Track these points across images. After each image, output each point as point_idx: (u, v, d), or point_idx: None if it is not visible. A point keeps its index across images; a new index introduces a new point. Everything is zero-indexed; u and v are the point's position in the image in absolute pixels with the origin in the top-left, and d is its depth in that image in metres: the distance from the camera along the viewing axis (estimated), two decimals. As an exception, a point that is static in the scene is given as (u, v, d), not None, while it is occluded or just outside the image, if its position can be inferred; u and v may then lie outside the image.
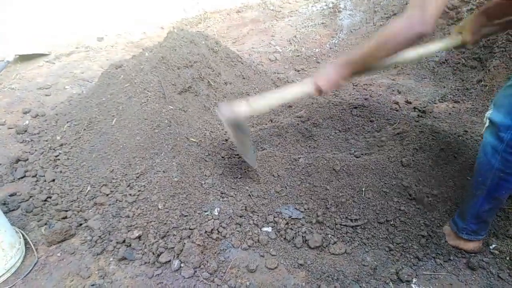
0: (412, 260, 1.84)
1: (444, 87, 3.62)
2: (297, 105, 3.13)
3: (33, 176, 2.42)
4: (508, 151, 1.57)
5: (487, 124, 1.66)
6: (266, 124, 2.91)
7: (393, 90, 3.57)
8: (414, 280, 1.75)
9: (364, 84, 3.73)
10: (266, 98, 1.91)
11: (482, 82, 3.47)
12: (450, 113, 3.13)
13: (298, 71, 4.20)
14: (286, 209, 2.10)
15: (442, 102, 3.36)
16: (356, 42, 4.76)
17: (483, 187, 1.72)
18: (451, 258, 1.84)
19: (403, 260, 1.85)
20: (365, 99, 3.31)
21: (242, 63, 3.63)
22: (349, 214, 2.05)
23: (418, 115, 3.01)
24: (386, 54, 1.63)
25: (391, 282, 1.74)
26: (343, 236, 1.98)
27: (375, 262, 1.85)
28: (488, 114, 1.66)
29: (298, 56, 4.66)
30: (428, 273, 1.78)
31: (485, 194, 1.73)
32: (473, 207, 1.79)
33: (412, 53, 1.85)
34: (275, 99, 1.92)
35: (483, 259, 1.84)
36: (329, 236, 1.98)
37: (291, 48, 4.89)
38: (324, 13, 5.53)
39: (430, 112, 3.10)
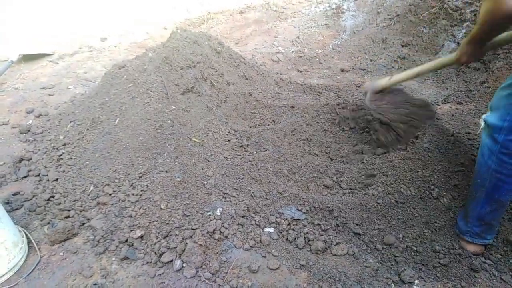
0: (414, 261, 1.84)
1: (447, 88, 3.61)
2: (299, 107, 3.13)
3: (36, 176, 2.43)
4: (502, 152, 1.62)
5: (482, 126, 1.73)
6: (268, 125, 2.91)
7: (396, 91, 3.56)
8: (416, 281, 1.74)
9: (367, 85, 3.72)
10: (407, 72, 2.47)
11: (486, 84, 3.45)
12: (453, 115, 3.12)
13: (301, 71, 4.20)
14: (288, 210, 2.10)
15: (445, 103, 3.35)
16: (359, 43, 4.75)
17: (483, 189, 1.75)
18: (454, 260, 1.83)
19: (405, 261, 1.85)
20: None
21: (245, 64, 3.63)
22: (353, 219, 2.04)
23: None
24: (490, 33, 1.69)
25: (393, 284, 1.74)
26: (345, 238, 1.98)
27: (377, 264, 1.85)
28: (484, 116, 1.70)
29: (301, 56, 4.65)
30: (430, 274, 1.78)
31: (484, 195, 1.75)
32: (474, 209, 1.81)
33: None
34: (416, 71, 2.40)
35: (486, 261, 1.83)
36: (331, 237, 1.98)
37: (294, 48, 4.88)
38: (327, 14, 5.53)
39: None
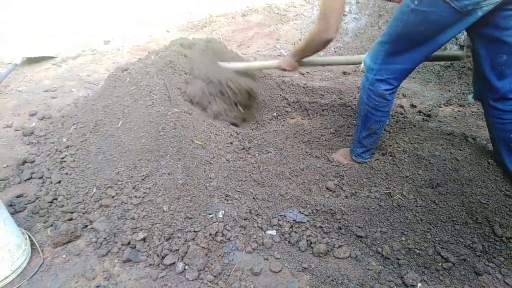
0: (417, 264, 1.83)
1: (449, 90, 3.60)
2: (300, 108, 3.13)
3: (39, 178, 2.44)
4: (370, 88, 2.11)
5: (362, 65, 2.20)
6: (270, 128, 2.91)
7: (398, 94, 3.56)
8: (419, 285, 1.74)
9: (369, 88, 3.72)
10: (242, 64, 3.12)
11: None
12: (455, 117, 3.12)
13: (303, 74, 4.20)
14: (290, 212, 2.10)
15: (447, 105, 3.35)
16: (361, 46, 4.76)
17: (360, 117, 2.26)
18: (457, 262, 1.83)
19: (408, 264, 1.84)
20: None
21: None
22: (355, 221, 2.04)
23: (423, 119, 3.00)
24: (311, 52, 2.43)
25: (395, 287, 1.73)
26: (347, 240, 1.97)
27: (380, 266, 1.84)
28: (364, 55, 2.18)
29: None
30: (433, 277, 1.77)
31: (360, 123, 2.27)
32: (356, 134, 2.36)
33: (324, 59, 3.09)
34: (247, 65, 3.11)
35: (489, 264, 1.83)
36: (334, 240, 1.98)
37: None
38: (329, 17, 5.53)
39: (435, 116, 3.09)
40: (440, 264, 1.82)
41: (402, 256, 1.87)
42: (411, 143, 2.49)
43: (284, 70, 2.70)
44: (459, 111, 3.24)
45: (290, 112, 3.20)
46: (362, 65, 2.20)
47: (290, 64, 2.64)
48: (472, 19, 1.74)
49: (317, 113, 3.09)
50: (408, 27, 1.85)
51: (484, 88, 2.06)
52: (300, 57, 2.57)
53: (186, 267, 1.81)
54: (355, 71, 4.22)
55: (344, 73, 4.17)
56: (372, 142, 2.35)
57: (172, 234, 1.95)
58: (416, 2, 1.75)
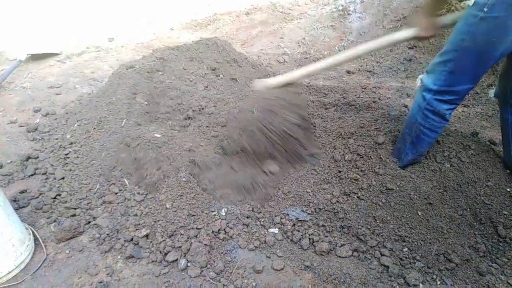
0: (419, 264, 1.83)
1: (454, 91, 3.59)
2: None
3: (43, 174, 2.45)
4: (428, 109, 1.96)
5: (418, 84, 2.05)
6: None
7: (402, 93, 3.55)
8: (421, 285, 1.74)
9: (372, 87, 3.72)
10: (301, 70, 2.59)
11: (493, 87, 3.43)
12: (459, 117, 3.11)
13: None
14: (293, 210, 2.10)
15: (452, 106, 3.33)
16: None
17: (408, 140, 2.12)
18: (460, 263, 1.82)
19: (410, 264, 1.84)
20: (374, 102, 3.29)
21: (251, 66, 3.65)
22: (358, 221, 2.04)
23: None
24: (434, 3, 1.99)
25: (398, 286, 1.73)
26: (350, 239, 1.97)
27: (382, 266, 1.84)
28: (421, 76, 2.03)
29: (307, 58, 4.65)
30: (436, 277, 1.77)
31: (409, 146, 2.12)
32: (401, 154, 2.20)
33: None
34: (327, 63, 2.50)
35: (493, 265, 1.82)
36: (336, 238, 1.98)
37: (300, 50, 4.89)
38: (333, 16, 5.52)
39: (440, 116, 3.07)
40: (443, 265, 1.82)
41: (405, 256, 1.87)
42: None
43: (425, 37, 2.14)
44: (463, 111, 3.23)
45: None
46: (418, 82, 2.04)
47: (426, 27, 2.06)
48: None
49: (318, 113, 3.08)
50: (477, 38, 1.67)
51: (508, 88, 2.00)
52: (430, 13, 2.03)
53: (189, 264, 1.81)
54: (359, 70, 4.21)
55: (348, 72, 4.16)
56: (416, 160, 2.21)
57: (175, 231, 1.96)
58: (486, 9, 1.59)
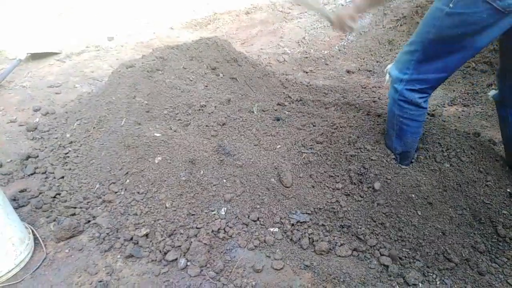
0: (419, 263, 1.83)
1: (454, 90, 3.59)
2: (304, 111, 3.12)
3: (42, 173, 2.45)
4: (402, 99, 1.97)
5: (387, 78, 2.07)
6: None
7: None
8: (420, 285, 1.74)
9: (372, 87, 3.72)
10: None
11: (492, 86, 3.44)
12: (459, 117, 3.11)
13: (307, 72, 4.20)
14: (293, 213, 2.10)
15: (452, 105, 3.34)
16: (366, 44, 4.74)
17: (393, 133, 2.13)
18: (459, 262, 1.82)
19: (410, 263, 1.84)
20: (374, 101, 3.29)
21: (251, 65, 3.65)
22: (357, 220, 2.04)
23: (427, 119, 2.98)
24: None
25: (397, 285, 1.73)
26: (350, 239, 1.97)
27: (382, 265, 1.84)
28: (388, 67, 2.04)
29: (306, 57, 4.65)
30: (435, 277, 1.77)
31: (395, 140, 2.14)
32: (390, 146, 2.22)
33: None
34: None
35: (492, 264, 1.83)
36: (336, 238, 1.98)
37: (300, 49, 4.89)
38: (333, 15, 5.52)
39: (439, 116, 3.08)
40: (442, 264, 1.82)
41: (405, 255, 1.87)
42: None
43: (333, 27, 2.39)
44: (463, 111, 3.23)
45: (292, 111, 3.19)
46: (387, 77, 2.07)
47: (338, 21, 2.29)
48: None
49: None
50: (442, 32, 1.70)
51: (507, 89, 2.01)
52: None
53: (188, 263, 1.81)
54: (359, 70, 4.21)
55: (348, 71, 4.16)
56: (410, 152, 2.19)
57: (175, 230, 1.96)
58: (451, 5, 1.62)
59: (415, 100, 1.94)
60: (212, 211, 2.07)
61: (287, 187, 2.22)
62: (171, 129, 2.58)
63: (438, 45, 1.76)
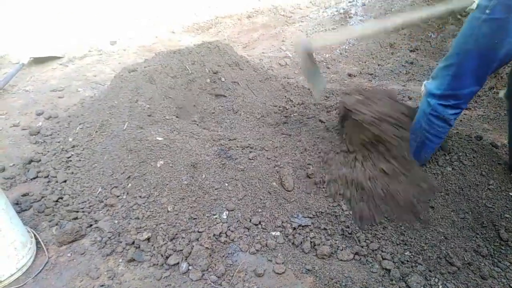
0: (421, 267, 1.83)
1: (456, 93, 3.58)
2: (304, 112, 3.13)
3: (45, 177, 2.46)
4: (433, 114, 1.97)
5: (423, 90, 2.06)
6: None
7: (404, 96, 3.55)
8: (423, 288, 1.73)
9: (374, 90, 3.72)
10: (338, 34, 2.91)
11: (494, 89, 3.43)
12: (461, 120, 3.10)
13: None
14: (295, 217, 2.10)
15: (454, 108, 3.33)
16: (367, 48, 4.75)
17: (414, 143, 2.13)
18: (462, 266, 1.82)
19: (412, 267, 1.83)
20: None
21: (252, 69, 3.66)
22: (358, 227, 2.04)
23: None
24: None
25: (399, 290, 1.73)
26: (351, 243, 1.97)
27: (384, 269, 1.83)
28: (425, 82, 2.05)
29: (308, 61, 4.65)
30: (437, 281, 1.76)
31: (414, 149, 2.14)
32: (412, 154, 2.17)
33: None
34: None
35: (495, 268, 1.82)
36: (337, 242, 1.98)
37: (301, 52, 4.89)
38: (335, 19, 5.54)
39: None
40: (445, 268, 1.81)
41: (407, 259, 1.87)
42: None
43: None
44: (465, 114, 3.23)
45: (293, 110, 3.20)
46: (423, 88, 2.06)
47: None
48: None
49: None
50: (480, 41, 1.68)
51: None
52: None
53: (190, 268, 1.81)
54: (361, 73, 4.22)
55: (350, 75, 4.17)
56: (426, 159, 2.22)
57: (176, 234, 1.96)
58: (487, 11, 1.61)
59: (447, 116, 1.95)
60: (214, 215, 2.07)
61: (289, 191, 2.22)
62: (173, 132, 2.59)
63: (474, 56, 1.74)
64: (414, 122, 2.12)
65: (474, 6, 1.71)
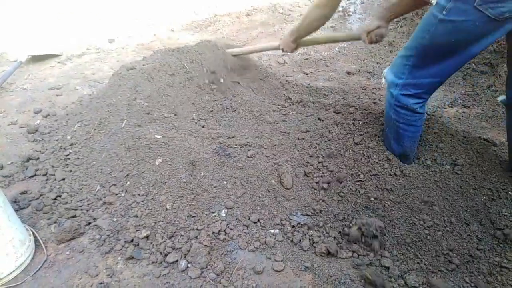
0: (420, 266, 1.83)
1: (454, 92, 3.59)
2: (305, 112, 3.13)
3: (43, 175, 2.45)
4: (397, 104, 1.97)
5: (383, 82, 2.06)
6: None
7: (402, 94, 3.55)
8: (421, 287, 1.73)
9: (373, 88, 3.71)
10: (246, 48, 3.46)
11: (493, 87, 3.44)
12: (459, 118, 3.11)
13: (307, 74, 4.20)
14: (294, 215, 2.10)
15: (452, 107, 3.34)
16: (365, 46, 4.74)
17: (391, 136, 2.14)
18: (461, 264, 1.82)
19: (411, 265, 1.84)
20: (374, 103, 3.29)
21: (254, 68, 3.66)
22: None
23: (427, 120, 2.98)
24: (306, 31, 2.43)
25: (398, 287, 1.73)
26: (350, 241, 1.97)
27: (382, 267, 1.84)
28: (384, 71, 2.03)
29: (306, 59, 4.65)
30: (436, 279, 1.77)
31: (394, 143, 2.15)
32: (390, 148, 2.23)
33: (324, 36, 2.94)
34: (251, 49, 3.43)
35: (494, 266, 1.82)
36: (336, 240, 1.98)
37: (300, 51, 4.88)
38: (333, 17, 5.52)
39: (440, 117, 3.07)
40: (443, 266, 1.82)
41: (405, 257, 1.87)
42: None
43: (283, 51, 2.74)
44: (463, 112, 3.23)
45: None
46: (383, 80, 2.10)
47: (287, 44, 2.67)
48: (511, 26, 1.58)
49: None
50: (436, 38, 1.70)
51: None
52: (297, 36, 2.54)
53: (189, 265, 1.81)
54: (359, 71, 4.22)
55: (348, 73, 4.16)
56: (410, 153, 2.19)
57: (175, 232, 1.96)
58: (444, 12, 1.61)
59: (410, 105, 1.95)
60: (213, 212, 2.07)
61: (288, 189, 2.22)
62: (171, 130, 2.58)
63: (432, 51, 1.77)
64: (384, 115, 2.15)
65: (434, 1, 1.72)
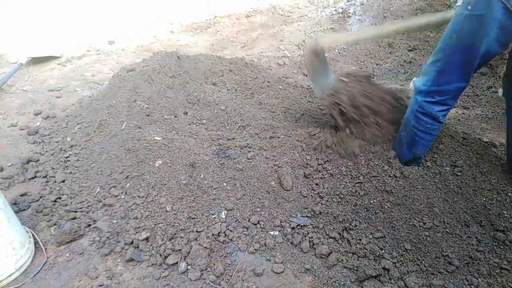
0: (420, 267, 1.83)
1: (454, 93, 3.59)
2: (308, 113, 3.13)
3: (43, 177, 2.45)
4: (420, 111, 1.97)
5: (411, 87, 2.07)
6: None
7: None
8: None
9: (372, 89, 3.72)
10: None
11: (492, 89, 3.44)
12: (459, 119, 3.11)
13: (307, 75, 4.20)
14: (294, 217, 2.10)
15: (452, 108, 3.34)
16: (365, 47, 4.75)
17: (404, 140, 2.13)
18: (460, 265, 1.82)
19: (410, 267, 1.83)
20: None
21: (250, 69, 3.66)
22: (358, 224, 2.04)
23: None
24: None
25: (398, 289, 1.73)
26: (350, 242, 1.97)
27: (382, 269, 1.83)
28: (414, 78, 2.05)
29: (306, 60, 4.66)
30: (436, 280, 1.77)
31: (406, 149, 2.14)
32: (399, 154, 2.22)
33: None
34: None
35: (493, 268, 1.82)
36: (336, 241, 1.98)
37: (300, 52, 4.89)
38: (333, 18, 5.53)
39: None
40: (443, 267, 1.82)
41: (405, 258, 1.87)
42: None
43: None
44: (463, 113, 3.23)
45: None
46: (411, 85, 2.08)
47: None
48: None
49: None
50: (463, 36, 1.70)
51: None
52: None
53: (189, 267, 1.81)
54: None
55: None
56: (419, 158, 2.20)
57: (175, 234, 1.96)
58: (469, 7, 1.64)
59: (434, 113, 1.94)
60: (213, 214, 2.07)
61: (287, 191, 2.22)
62: (171, 132, 2.59)
63: (459, 51, 1.76)
64: (404, 118, 2.14)
65: (459, 2, 1.74)
